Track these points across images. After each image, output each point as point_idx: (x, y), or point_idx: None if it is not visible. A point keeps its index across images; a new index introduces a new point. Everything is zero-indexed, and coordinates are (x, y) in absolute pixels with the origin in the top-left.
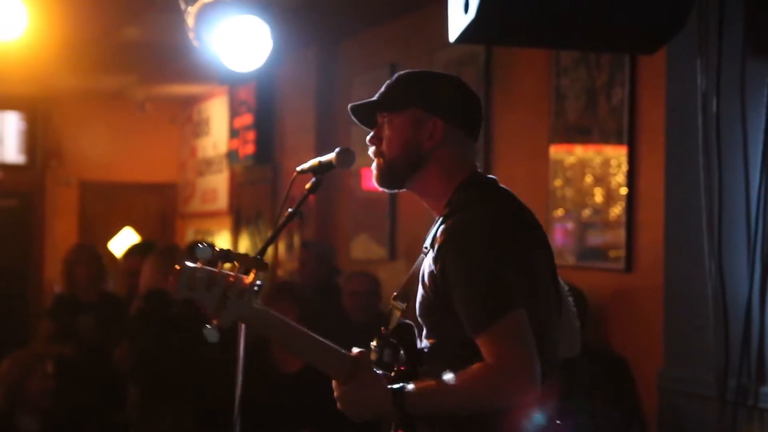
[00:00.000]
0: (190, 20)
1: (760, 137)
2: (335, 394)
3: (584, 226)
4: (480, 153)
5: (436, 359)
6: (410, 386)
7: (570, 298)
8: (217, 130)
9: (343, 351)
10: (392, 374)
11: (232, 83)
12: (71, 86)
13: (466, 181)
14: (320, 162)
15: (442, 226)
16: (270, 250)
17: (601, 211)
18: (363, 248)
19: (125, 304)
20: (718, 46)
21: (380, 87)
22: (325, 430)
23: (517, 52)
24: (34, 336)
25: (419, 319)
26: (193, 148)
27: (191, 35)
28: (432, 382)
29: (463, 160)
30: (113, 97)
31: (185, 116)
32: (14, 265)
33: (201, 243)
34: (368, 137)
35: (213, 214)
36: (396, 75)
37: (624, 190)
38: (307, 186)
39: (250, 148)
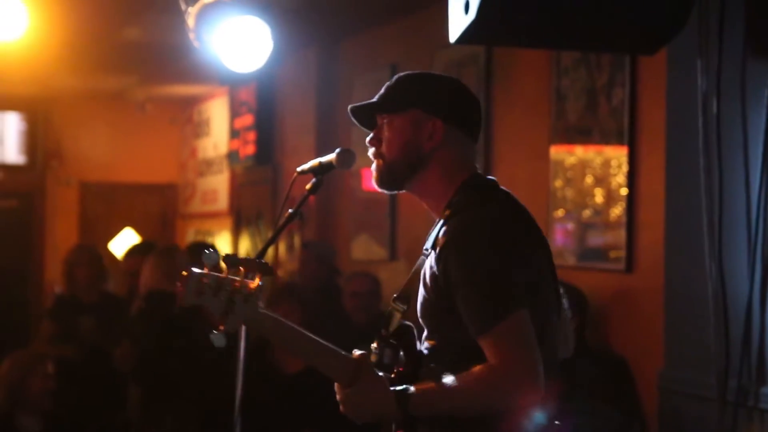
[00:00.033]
0: (190, 21)
1: (761, 138)
2: (338, 397)
3: (585, 227)
4: (480, 153)
5: (437, 361)
6: (414, 388)
7: (564, 300)
8: (218, 131)
9: (345, 354)
10: (392, 376)
11: (232, 84)
12: (72, 87)
13: (466, 182)
14: (321, 162)
15: (444, 228)
16: (270, 250)
17: (601, 211)
18: (363, 249)
19: (126, 305)
20: (719, 46)
21: (381, 87)
22: (326, 431)
23: (517, 52)
24: (35, 336)
25: (420, 320)
26: (193, 148)
27: (192, 36)
28: (435, 384)
29: (463, 161)
30: (114, 98)
31: (186, 117)
32: (15, 266)
33: (207, 248)
34: (368, 139)
35: (213, 215)
36: (396, 77)
37: (624, 191)
38: (308, 186)
39: (250, 149)
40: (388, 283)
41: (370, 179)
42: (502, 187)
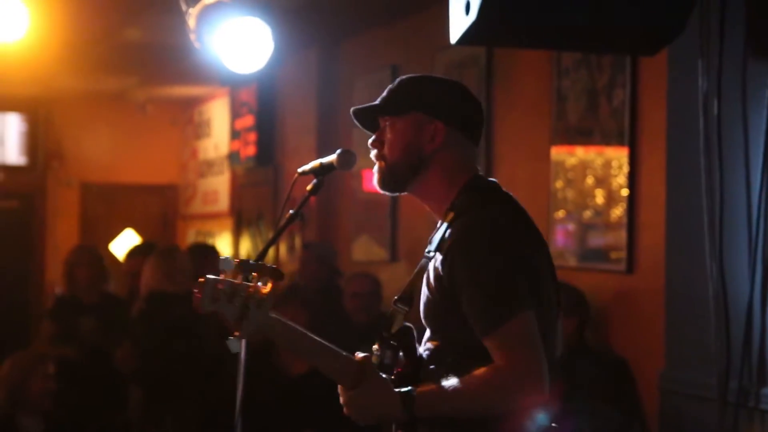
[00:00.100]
0: (191, 21)
1: (761, 138)
2: (341, 399)
3: (585, 228)
4: (481, 154)
5: (437, 362)
6: (419, 389)
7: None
8: (218, 132)
9: (348, 356)
10: (392, 377)
11: (233, 85)
12: (72, 88)
13: (468, 184)
14: (321, 163)
15: (449, 230)
16: (271, 251)
17: (602, 212)
18: (364, 250)
19: (126, 306)
20: (720, 47)
21: (381, 88)
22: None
23: (518, 53)
24: (36, 337)
25: (423, 321)
26: (194, 149)
27: (192, 37)
28: (441, 385)
29: (465, 163)
30: (114, 99)
31: (186, 117)
32: (15, 267)
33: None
34: (370, 141)
35: (214, 216)
36: (398, 79)
37: (625, 192)
38: (309, 187)
39: (251, 150)
40: (388, 284)
41: (371, 180)
42: (503, 189)
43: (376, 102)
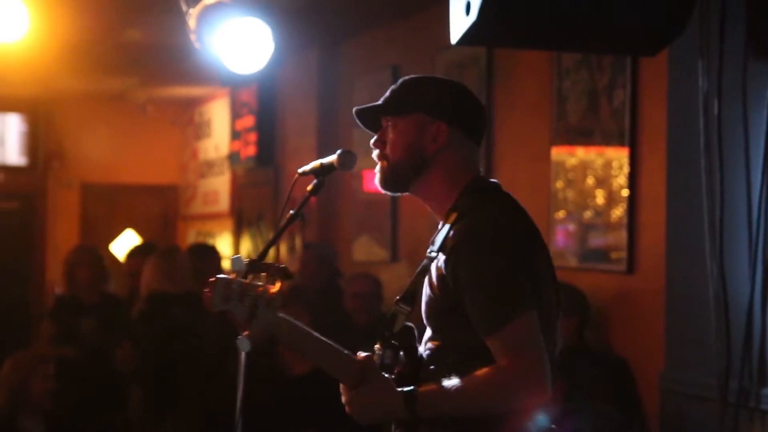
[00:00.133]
0: (191, 22)
1: (762, 139)
2: (344, 398)
3: (586, 228)
4: (481, 155)
5: (437, 363)
6: (421, 389)
7: None
8: (219, 132)
9: (351, 355)
10: (392, 376)
11: (233, 85)
12: (73, 88)
13: (470, 185)
14: (322, 164)
15: (452, 230)
16: (271, 252)
17: (602, 212)
18: (364, 250)
19: (127, 306)
20: (720, 47)
21: (382, 89)
22: None
23: (518, 54)
24: (36, 337)
25: (425, 320)
26: (194, 149)
27: (193, 37)
28: (443, 385)
29: (467, 164)
30: (115, 99)
31: (187, 118)
32: (16, 267)
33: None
34: (372, 140)
35: (214, 216)
36: (401, 80)
37: (625, 192)
38: (309, 188)
39: (251, 150)
40: (389, 285)
41: (372, 180)
42: (505, 190)
43: (379, 102)
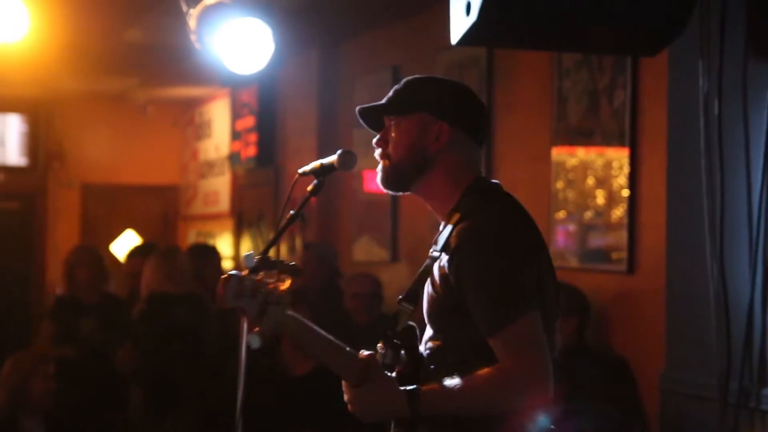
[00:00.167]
0: (191, 22)
1: (762, 139)
2: (346, 397)
3: (586, 228)
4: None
5: (438, 362)
6: (424, 388)
7: None
8: (219, 133)
9: (354, 353)
10: (393, 375)
11: (233, 85)
12: (73, 89)
13: (471, 185)
14: (322, 164)
15: (455, 230)
16: (272, 252)
17: (602, 213)
18: (365, 250)
19: (127, 306)
20: (720, 48)
21: (382, 89)
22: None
23: (518, 54)
24: (36, 337)
25: (427, 319)
26: (194, 150)
27: (193, 38)
28: (446, 384)
29: (468, 165)
30: (115, 100)
31: (187, 118)
32: (16, 267)
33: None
34: (374, 140)
35: (215, 217)
36: (404, 80)
37: (626, 192)
38: (309, 188)
39: (251, 151)
40: (389, 285)
41: (372, 180)
42: (506, 191)
43: (382, 101)
